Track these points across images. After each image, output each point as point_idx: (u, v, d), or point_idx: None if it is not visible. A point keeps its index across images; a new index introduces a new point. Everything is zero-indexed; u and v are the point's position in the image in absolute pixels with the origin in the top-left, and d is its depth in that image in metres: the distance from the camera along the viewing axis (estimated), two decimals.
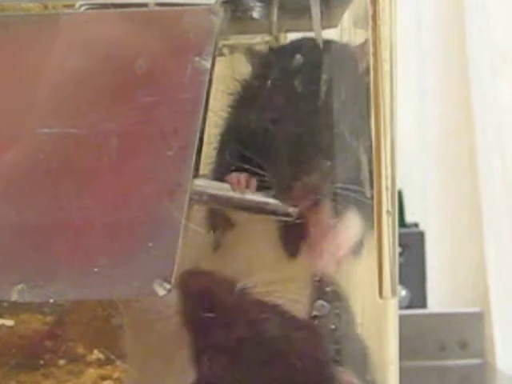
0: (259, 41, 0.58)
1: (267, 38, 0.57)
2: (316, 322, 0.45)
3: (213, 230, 0.49)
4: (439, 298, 1.08)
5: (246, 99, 0.50)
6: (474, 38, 1.05)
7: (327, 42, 0.49)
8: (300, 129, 0.46)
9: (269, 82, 0.48)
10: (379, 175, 0.45)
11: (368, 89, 0.45)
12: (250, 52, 0.52)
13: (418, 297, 1.05)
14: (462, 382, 1.04)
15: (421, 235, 1.07)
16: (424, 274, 1.06)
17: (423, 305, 1.06)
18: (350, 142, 0.46)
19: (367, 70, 0.46)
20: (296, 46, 0.51)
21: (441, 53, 1.10)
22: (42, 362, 0.51)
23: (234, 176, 0.47)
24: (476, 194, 1.06)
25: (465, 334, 1.04)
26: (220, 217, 0.49)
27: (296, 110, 0.47)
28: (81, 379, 0.52)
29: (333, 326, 0.45)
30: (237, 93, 0.51)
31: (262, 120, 0.47)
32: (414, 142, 1.10)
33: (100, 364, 0.52)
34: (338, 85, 0.47)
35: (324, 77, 0.46)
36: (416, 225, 1.10)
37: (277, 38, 0.56)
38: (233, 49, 0.57)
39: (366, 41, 0.46)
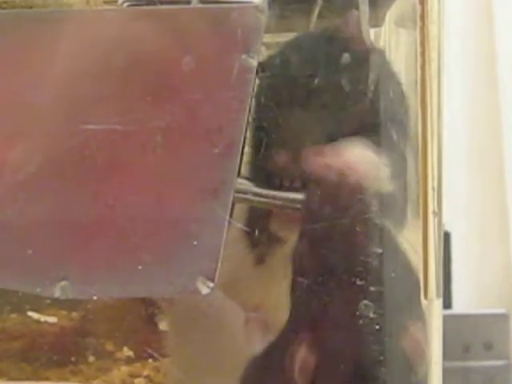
0: None
1: None
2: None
3: (256, 243, 0.49)
4: (465, 299, 1.08)
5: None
6: (503, 40, 1.04)
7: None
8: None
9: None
10: (425, 176, 0.45)
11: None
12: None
13: (443, 297, 1.04)
14: (486, 383, 1.04)
15: (447, 236, 1.06)
16: (449, 274, 1.05)
17: (448, 306, 1.05)
18: (396, 141, 0.46)
19: None
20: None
21: (469, 53, 1.09)
22: (71, 358, 0.51)
23: None
24: (503, 194, 1.05)
25: (490, 335, 1.03)
26: (265, 230, 0.48)
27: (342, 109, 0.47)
28: (109, 376, 0.51)
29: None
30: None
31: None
32: None
33: (130, 361, 0.51)
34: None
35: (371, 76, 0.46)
36: None
37: None
38: (268, 46, 0.57)
39: None
